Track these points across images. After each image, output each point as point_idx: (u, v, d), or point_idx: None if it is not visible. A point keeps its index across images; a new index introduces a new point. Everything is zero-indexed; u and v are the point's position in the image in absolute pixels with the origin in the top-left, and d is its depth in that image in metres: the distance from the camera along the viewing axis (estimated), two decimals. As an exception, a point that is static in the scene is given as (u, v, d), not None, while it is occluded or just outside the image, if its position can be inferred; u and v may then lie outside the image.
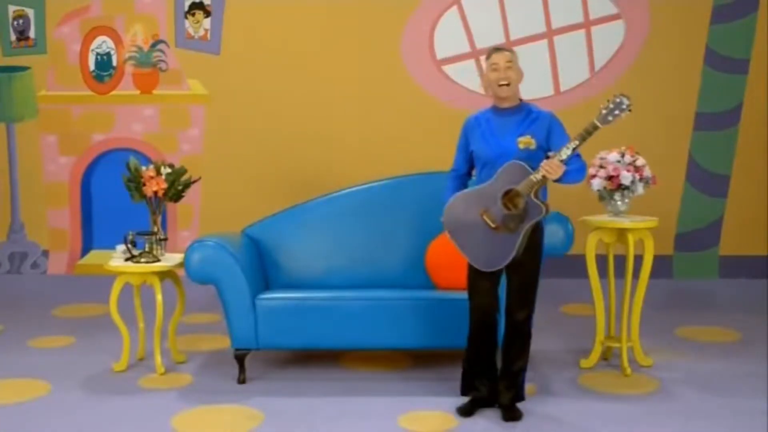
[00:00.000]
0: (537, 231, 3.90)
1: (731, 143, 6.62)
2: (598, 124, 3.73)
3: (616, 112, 3.74)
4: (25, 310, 6.25)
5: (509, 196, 3.78)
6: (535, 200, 3.75)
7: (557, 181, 3.77)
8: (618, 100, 3.75)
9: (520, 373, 4.05)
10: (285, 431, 3.89)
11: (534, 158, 3.83)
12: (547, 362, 4.88)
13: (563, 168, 3.71)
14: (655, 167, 4.75)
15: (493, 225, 3.81)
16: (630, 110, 3.77)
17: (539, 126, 3.88)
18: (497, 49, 4.00)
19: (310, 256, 4.96)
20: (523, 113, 3.94)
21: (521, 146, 3.84)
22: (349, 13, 6.57)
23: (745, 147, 6.59)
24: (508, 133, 3.89)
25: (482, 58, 4.14)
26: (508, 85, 3.90)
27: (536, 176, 3.71)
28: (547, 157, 3.77)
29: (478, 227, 3.85)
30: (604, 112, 3.75)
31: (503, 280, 4.01)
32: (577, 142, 3.71)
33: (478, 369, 4.08)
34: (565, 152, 3.70)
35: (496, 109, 3.98)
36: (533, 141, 3.85)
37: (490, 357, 4.06)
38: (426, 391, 4.39)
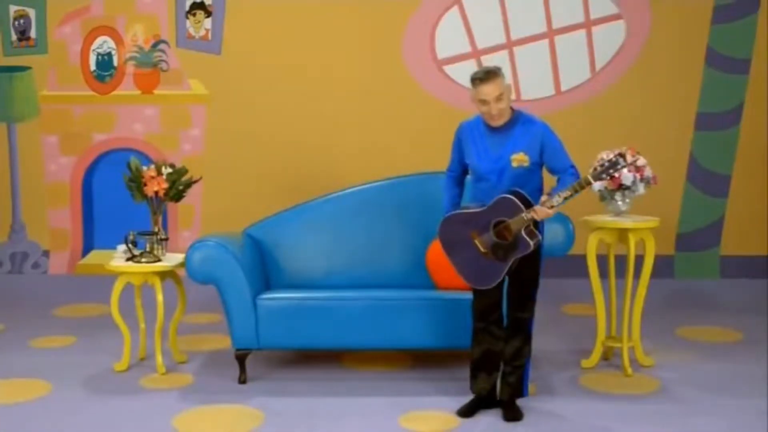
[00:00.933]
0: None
1: (732, 143, 6.62)
2: (591, 180, 3.78)
3: (611, 170, 3.79)
4: (26, 310, 6.25)
5: (501, 227, 3.83)
6: (524, 237, 3.79)
7: None
8: (615, 159, 3.78)
9: (519, 369, 4.06)
10: (286, 431, 3.90)
11: (528, 174, 3.89)
12: (548, 362, 4.88)
13: (553, 213, 3.78)
14: (656, 167, 4.74)
15: (483, 250, 3.89)
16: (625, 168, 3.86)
17: (532, 142, 3.88)
18: (483, 79, 3.83)
19: (311, 255, 4.96)
20: (517, 125, 3.91)
21: (515, 164, 3.87)
22: (350, 12, 6.57)
23: (746, 147, 6.59)
24: (502, 147, 3.89)
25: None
26: (500, 115, 3.89)
27: (527, 216, 3.76)
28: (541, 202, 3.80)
29: (469, 247, 3.91)
30: (599, 169, 3.79)
31: (506, 279, 4.01)
32: (569, 193, 3.75)
33: (482, 367, 4.08)
34: (557, 200, 3.75)
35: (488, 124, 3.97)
36: (527, 158, 3.87)
37: (494, 355, 4.07)
38: (427, 391, 4.39)
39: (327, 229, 4.99)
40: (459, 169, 4.10)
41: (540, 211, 3.75)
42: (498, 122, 3.89)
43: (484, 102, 3.84)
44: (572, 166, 3.89)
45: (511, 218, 3.78)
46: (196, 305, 5.83)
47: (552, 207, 3.75)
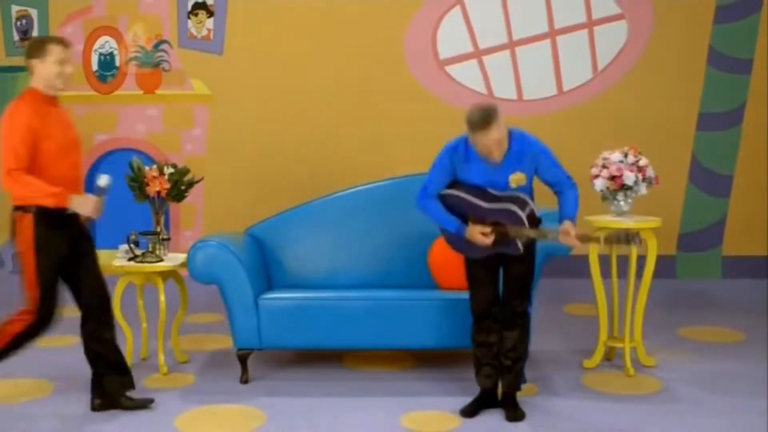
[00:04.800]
0: (532, 224, 3.93)
1: (734, 143, 6.62)
2: (602, 242, 3.84)
3: (622, 241, 3.79)
4: (28, 309, 6.24)
5: (497, 225, 3.85)
6: (518, 243, 3.84)
7: None
8: (631, 238, 3.74)
9: (519, 362, 4.06)
10: (288, 431, 3.90)
11: (523, 190, 3.92)
12: (550, 362, 4.88)
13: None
14: (658, 167, 4.74)
15: None
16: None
17: (528, 162, 3.89)
18: (482, 127, 3.71)
19: (313, 256, 4.96)
20: (512, 145, 3.86)
21: (513, 185, 3.88)
22: (351, 13, 6.57)
23: (748, 147, 6.59)
24: (499, 169, 3.87)
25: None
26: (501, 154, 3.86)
27: (530, 233, 3.80)
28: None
29: (464, 221, 3.94)
30: (613, 238, 3.80)
31: (501, 273, 4.05)
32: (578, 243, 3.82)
33: (486, 362, 4.09)
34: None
35: None
36: (524, 177, 3.89)
37: (494, 347, 4.07)
38: (428, 390, 4.39)
39: (329, 229, 5.00)
40: (439, 190, 4.01)
41: (573, 240, 3.77)
42: (499, 159, 3.85)
43: (485, 147, 3.78)
44: (568, 177, 3.95)
45: (512, 226, 3.81)
46: (197, 305, 5.83)
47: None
